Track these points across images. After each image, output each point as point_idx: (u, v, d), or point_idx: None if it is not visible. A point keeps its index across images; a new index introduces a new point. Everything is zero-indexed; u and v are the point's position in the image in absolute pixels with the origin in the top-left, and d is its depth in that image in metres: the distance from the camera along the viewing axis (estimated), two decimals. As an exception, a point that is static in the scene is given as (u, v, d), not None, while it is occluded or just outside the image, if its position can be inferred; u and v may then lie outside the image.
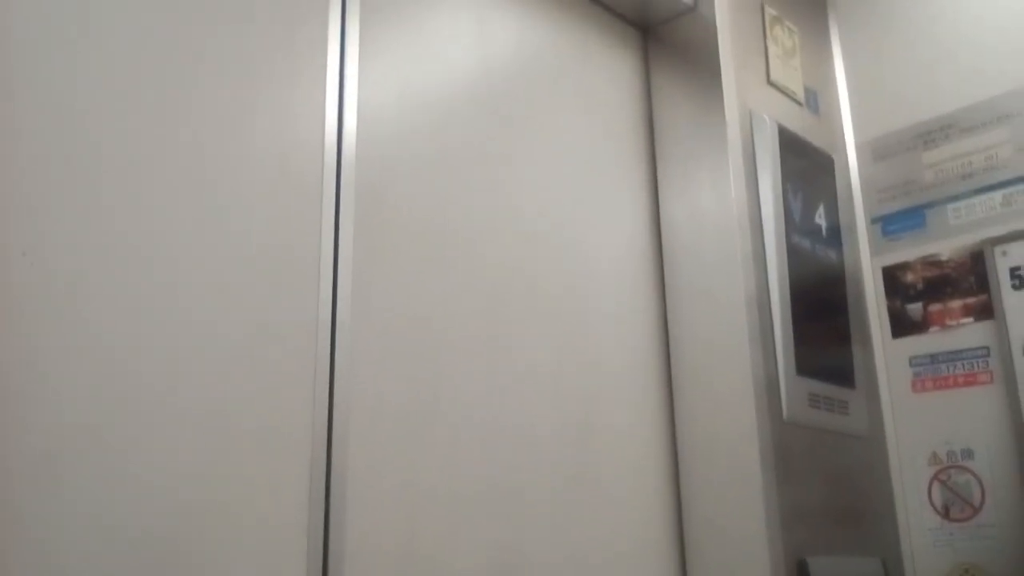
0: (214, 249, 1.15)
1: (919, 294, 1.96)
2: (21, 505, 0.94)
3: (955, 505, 1.84)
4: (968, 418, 1.85)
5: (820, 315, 1.86)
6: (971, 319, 1.88)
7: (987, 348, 1.85)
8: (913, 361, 1.95)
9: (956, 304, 1.91)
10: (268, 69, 1.26)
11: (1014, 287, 1.83)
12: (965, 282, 1.90)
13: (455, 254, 1.45)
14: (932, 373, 1.91)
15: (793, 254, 1.81)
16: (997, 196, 1.90)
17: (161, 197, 1.11)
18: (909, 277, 1.98)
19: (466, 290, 1.45)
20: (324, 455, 1.18)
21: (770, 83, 1.95)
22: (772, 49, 1.98)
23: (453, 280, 1.44)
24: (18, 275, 0.98)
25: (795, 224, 1.84)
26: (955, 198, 1.96)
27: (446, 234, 1.45)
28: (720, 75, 1.80)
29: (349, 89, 1.35)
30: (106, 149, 1.08)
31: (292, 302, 1.21)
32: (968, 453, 1.84)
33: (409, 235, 1.39)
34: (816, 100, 2.09)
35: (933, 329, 1.93)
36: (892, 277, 2.01)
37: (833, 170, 2.03)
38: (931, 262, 1.96)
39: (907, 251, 2.00)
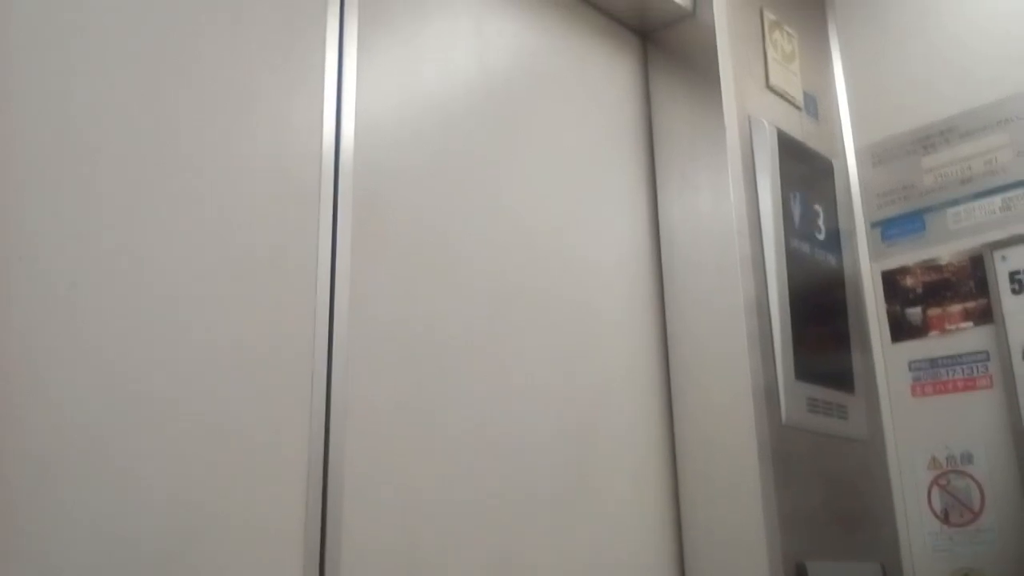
0: (211, 255, 1.15)
1: (919, 298, 1.96)
2: (17, 508, 0.94)
3: (954, 510, 1.83)
4: (967, 422, 1.85)
5: (819, 320, 1.86)
6: (971, 323, 1.88)
7: (987, 352, 1.85)
8: (912, 365, 1.95)
9: (956, 308, 1.91)
10: (265, 75, 1.26)
11: (1014, 291, 1.83)
12: (965, 286, 1.90)
13: (454, 261, 1.45)
14: (931, 377, 1.91)
15: (792, 259, 1.81)
16: (997, 200, 1.90)
17: (158, 203, 1.11)
18: (909, 281, 1.98)
19: (465, 298, 1.45)
20: (321, 462, 1.19)
21: (769, 88, 1.95)
22: (771, 54, 1.98)
23: (452, 287, 1.44)
24: (15, 278, 0.98)
25: (794, 229, 1.84)
26: (955, 202, 1.96)
27: (445, 241, 1.45)
28: (719, 80, 1.80)
29: (347, 95, 1.35)
30: (103, 154, 1.08)
31: (289, 309, 1.21)
32: (968, 457, 1.84)
33: (408, 242, 1.39)
34: (815, 105, 2.09)
35: (932, 333, 1.93)
36: (892, 281, 2.01)
37: (832, 175, 2.04)
38: (931, 266, 1.96)
39: (907, 255, 2.00)
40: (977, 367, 1.86)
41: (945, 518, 1.84)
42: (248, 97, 1.23)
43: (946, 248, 1.95)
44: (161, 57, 1.16)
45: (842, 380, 1.86)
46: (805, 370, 1.74)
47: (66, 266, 1.02)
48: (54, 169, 1.04)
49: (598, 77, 1.85)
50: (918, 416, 1.92)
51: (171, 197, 1.13)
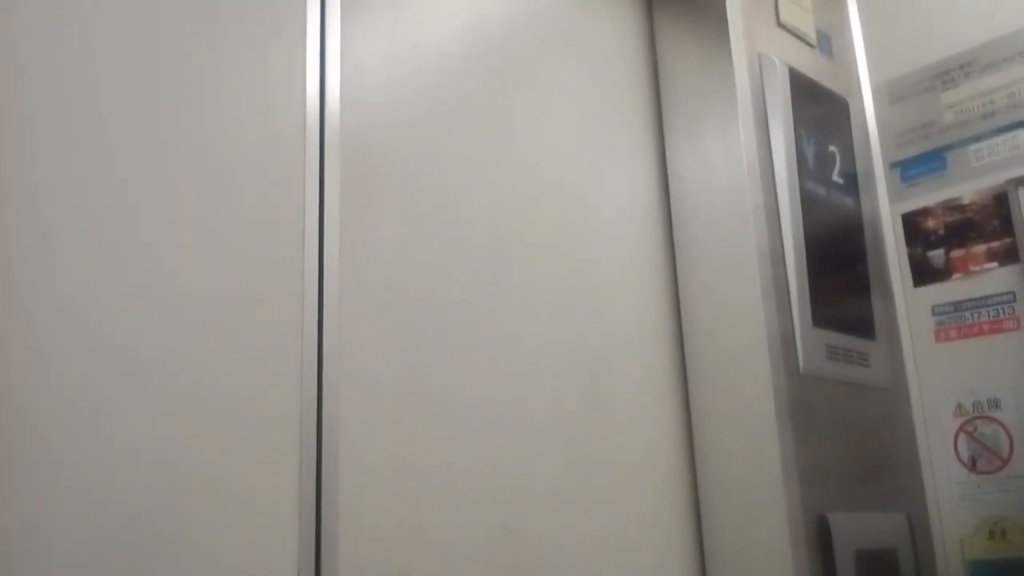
0: (194, 215, 1.10)
1: (941, 240, 1.89)
2: (4, 475, 0.90)
3: (982, 457, 1.77)
4: (994, 367, 1.78)
5: (837, 265, 1.80)
6: (995, 264, 1.81)
7: (1013, 293, 1.78)
8: (936, 310, 1.88)
9: (979, 249, 1.84)
10: (243, 24, 1.20)
11: (1040, 229, 1.75)
12: (988, 226, 1.83)
13: (451, 216, 1.40)
14: (956, 321, 1.85)
15: (807, 203, 1.74)
16: (1021, 135, 1.82)
17: (141, 161, 1.06)
18: (930, 223, 1.91)
19: (463, 254, 1.40)
20: (314, 426, 1.14)
21: (780, 25, 1.87)
22: (781, -11, 1.90)
23: (449, 244, 1.38)
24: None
25: (809, 172, 1.77)
26: (977, 139, 1.88)
27: (441, 195, 1.39)
28: (727, 17, 1.73)
29: (331, 46, 1.29)
30: (80, 105, 1.03)
31: (278, 268, 1.16)
32: (995, 403, 1.77)
33: (401, 198, 1.34)
34: (829, 42, 2.01)
35: (956, 276, 1.86)
36: (912, 223, 1.93)
37: (848, 114, 1.96)
38: (952, 206, 1.88)
39: (927, 196, 1.92)
40: (1003, 309, 1.79)
41: (972, 466, 1.78)
42: (225, 47, 1.18)
43: (968, 186, 1.87)
44: (140, 9, 1.10)
45: (862, 326, 1.80)
46: (823, 317, 1.68)
47: (38, 217, 0.98)
48: (23, 117, 0.99)
49: (600, 16, 1.77)
50: (942, 362, 1.85)
51: (151, 152, 1.08)
